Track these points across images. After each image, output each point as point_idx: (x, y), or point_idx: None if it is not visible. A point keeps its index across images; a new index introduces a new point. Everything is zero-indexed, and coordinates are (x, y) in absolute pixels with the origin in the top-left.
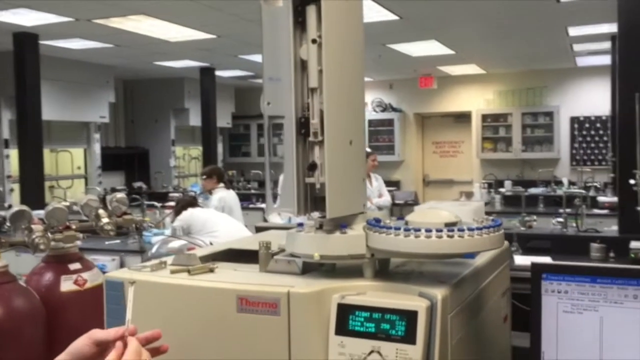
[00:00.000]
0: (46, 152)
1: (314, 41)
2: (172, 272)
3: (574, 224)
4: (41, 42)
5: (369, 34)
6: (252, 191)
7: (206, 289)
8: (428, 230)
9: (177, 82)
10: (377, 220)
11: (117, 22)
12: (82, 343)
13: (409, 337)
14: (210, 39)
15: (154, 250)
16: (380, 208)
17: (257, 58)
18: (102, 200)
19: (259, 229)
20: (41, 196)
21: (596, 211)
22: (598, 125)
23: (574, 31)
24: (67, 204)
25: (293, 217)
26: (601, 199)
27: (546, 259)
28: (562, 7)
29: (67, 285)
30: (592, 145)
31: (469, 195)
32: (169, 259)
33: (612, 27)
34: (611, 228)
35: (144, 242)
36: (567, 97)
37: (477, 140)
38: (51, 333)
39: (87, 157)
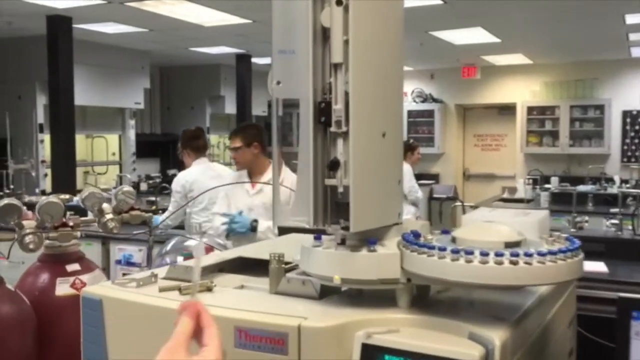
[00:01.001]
0: (81, 138)
1: (339, 2)
2: (161, 289)
3: (630, 226)
4: (75, 25)
5: (409, 20)
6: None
7: None
8: (484, 254)
9: (213, 69)
10: (416, 235)
11: (151, 6)
12: None
13: None
14: (245, 23)
15: (168, 247)
16: (414, 204)
17: None
18: (136, 186)
19: (282, 231)
20: (73, 182)
21: None
22: None
23: (631, 19)
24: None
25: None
26: None
27: (599, 265)
28: None
29: (63, 288)
30: None
31: (512, 191)
32: (163, 271)
33: None
34: None
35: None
36: (619, 90)
37: (521, 133)
38: (43, 344)
39: (121, 143)
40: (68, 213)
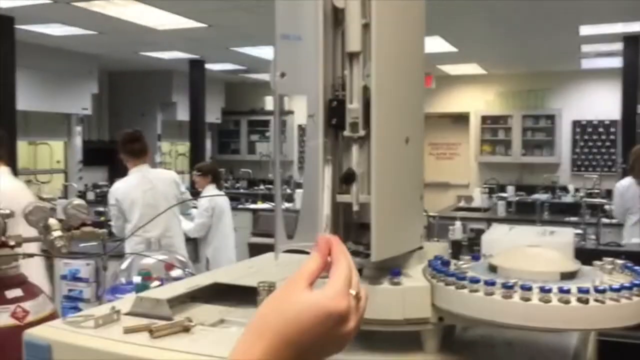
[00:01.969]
0: (23, 145)
1: None
2: (127, 330)
3: (593, 236)
4: (17, 26)
5: None
6: (242, 191)
7: None
8: (545, 290)
9: (165, 75)
10: (445, 263)
11: (99, 6)
12: None
13: None
14: (200, 27)
15: (124, 265)
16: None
17: (249, 51)
18: (83, 195)
19: (253, 248)
20: None
21: (605, 221)
22: (601, 129)
23: (585, 30)
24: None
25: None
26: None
27: None
28: (577, 4)
29: (2, 319)
30: (595, 150)
31: (469, 200)
32: (126, 302)
33: (626, 27)
34: (631, 241)
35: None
36: (569, 101)
37: (475, 142)
38: None
39: (67, 150)
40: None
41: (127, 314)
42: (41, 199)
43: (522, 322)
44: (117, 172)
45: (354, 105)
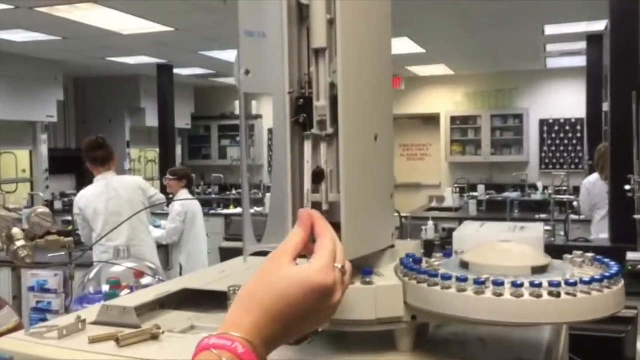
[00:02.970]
0: None
1: None
2: (93, 340)
3: (562, 233)
4: None
5: None
6: (213, 196)
7: None
8: (517, 285)
9: (132, 80)
10: (416, 261)
11: (63, 11)
12: None
13: None
14: (167, 32)
15: (91, 274)
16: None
17: (218, 55)
18: (50, 205)
19: (225, 253)
20: None
21: (574, 217)
22: (567, 128)
23: (550, 29)
24: (6, 212)
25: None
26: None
27: None
28: (541, 3)
29: None
30: (562, 148)
31: (440, 199)
32: (93, 311)
33: (589, 26)
34: (599, 236)
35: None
36: (536, 100)
37: (445, 143)
38: None
39: (33, 159)
40: None
41: (94, 323)
42: (6, 209)
43: (495, 318)
44: (85, 180)
45: (320, 103)
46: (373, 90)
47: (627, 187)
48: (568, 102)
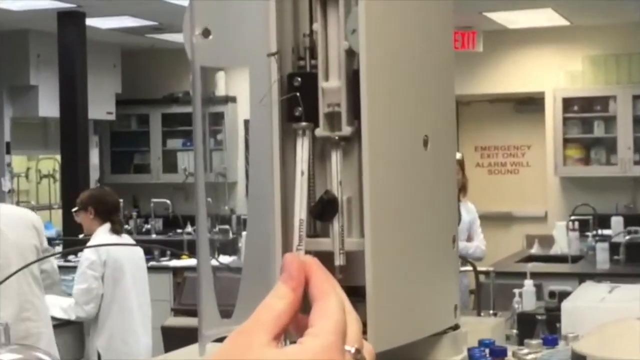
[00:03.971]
0: None
1: None
2: None
3: None
4: None
5: None
6: (154, 236)
7: None
8: None
9: (15, 38)
10: (497, 353)
11: None
12: None
13: None
14: None
15: None
16: (470, 263)
17: None
18: None
19: (172, 335)
20: None
21: None
22: None
23: None
24: None
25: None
26: None
27: None
28: None
29: None
30: None
31: (546, 242)
32: None
33: None
34: None
35: None
36: None
37: (554, 143)
38: None
39: None
40: None
41: None
42: None
43: None
44: None
45: (331, 83)
46: (421, 62)
47: None
48: None
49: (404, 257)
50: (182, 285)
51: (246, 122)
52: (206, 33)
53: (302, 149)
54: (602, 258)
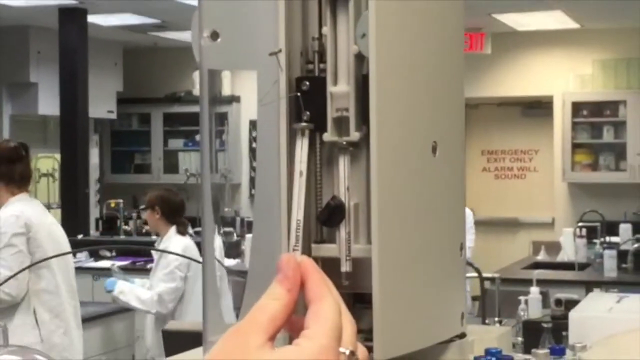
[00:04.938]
0: None
1: None
2: None
3: None
4: None
5: None
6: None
7: None
8: None
9: (15, 34)
10: None
11: None
12: None
13: None
14: None
15: None
16: (475, 269)
17: None
18: None
19: (168, 336)
20: None
21: None
22: None
23: None
24: None
25: None
26: None
27: None
28: None
29: None
30: None
31: (553, 249)
32: None
33: None
34: None
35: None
36: None
37: (562, 148)
38: None
39: None
40: None
41: None
42: None
43: None
44: None
45: (339, 88)
46: (431, 66)
47: None
48: None
49: (411, 264)
50: None
51: (251, 123)
52: (214, 36)
53: (302, 150)
54: (610, 266)
